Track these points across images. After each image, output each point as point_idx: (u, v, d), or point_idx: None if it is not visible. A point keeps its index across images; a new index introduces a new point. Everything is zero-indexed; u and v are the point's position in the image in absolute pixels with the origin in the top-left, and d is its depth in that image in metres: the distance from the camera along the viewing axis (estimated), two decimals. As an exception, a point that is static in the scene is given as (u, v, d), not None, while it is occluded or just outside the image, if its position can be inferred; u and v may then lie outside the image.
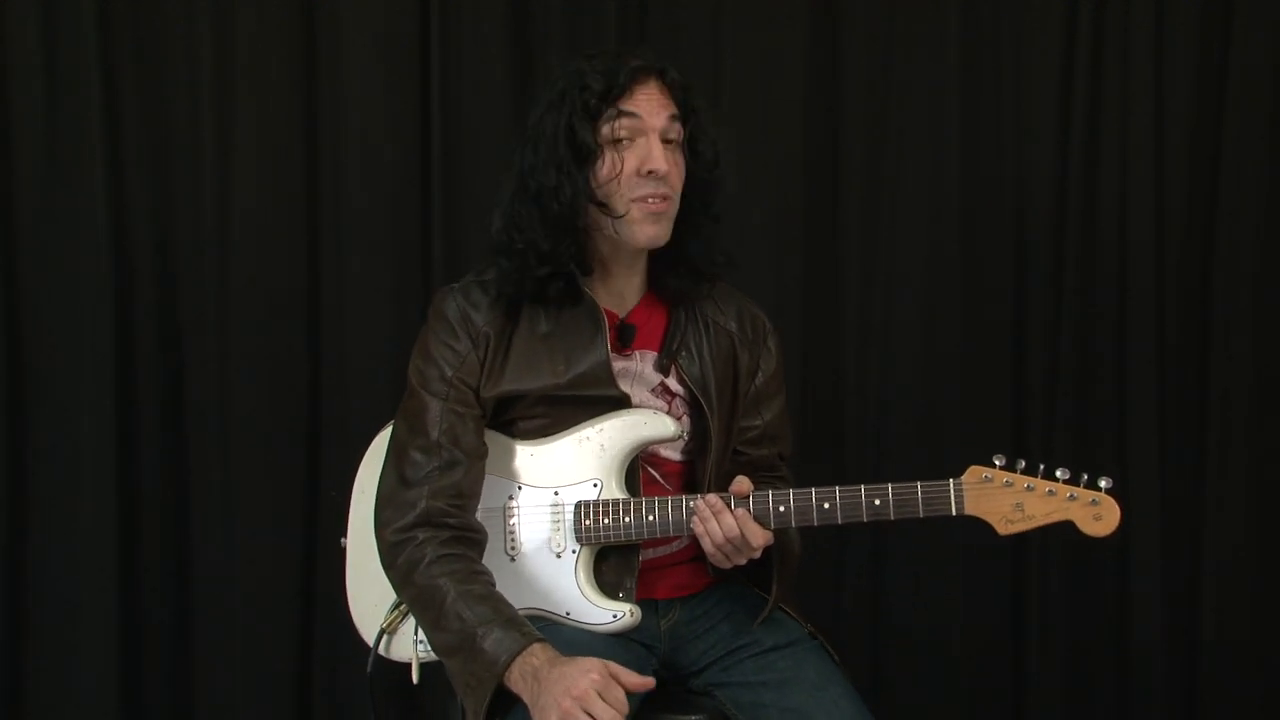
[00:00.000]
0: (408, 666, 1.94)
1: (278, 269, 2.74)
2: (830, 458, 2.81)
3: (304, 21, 2.72)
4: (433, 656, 1.90)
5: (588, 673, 1.66)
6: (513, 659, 1.72)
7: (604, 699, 1.65)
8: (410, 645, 1.93)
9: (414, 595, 1.82)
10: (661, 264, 1.97)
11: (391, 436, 1.94)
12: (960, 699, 2.85)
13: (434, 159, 2.74)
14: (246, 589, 2.75)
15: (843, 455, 2.83)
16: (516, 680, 1.72)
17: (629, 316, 1.99)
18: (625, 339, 1.97)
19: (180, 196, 2.72)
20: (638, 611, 1.88)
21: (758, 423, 2.05)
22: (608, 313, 1.96)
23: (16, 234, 2.67)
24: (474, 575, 1.81)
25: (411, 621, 1.91)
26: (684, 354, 1.98)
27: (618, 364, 1.96)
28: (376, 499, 1.90)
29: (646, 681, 1.71)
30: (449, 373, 1.89)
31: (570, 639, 1.83)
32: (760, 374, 2.05)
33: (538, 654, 1.72)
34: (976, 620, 2.85)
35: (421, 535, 1.83)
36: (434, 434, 1.86)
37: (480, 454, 1.89)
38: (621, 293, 1.98)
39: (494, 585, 1.82)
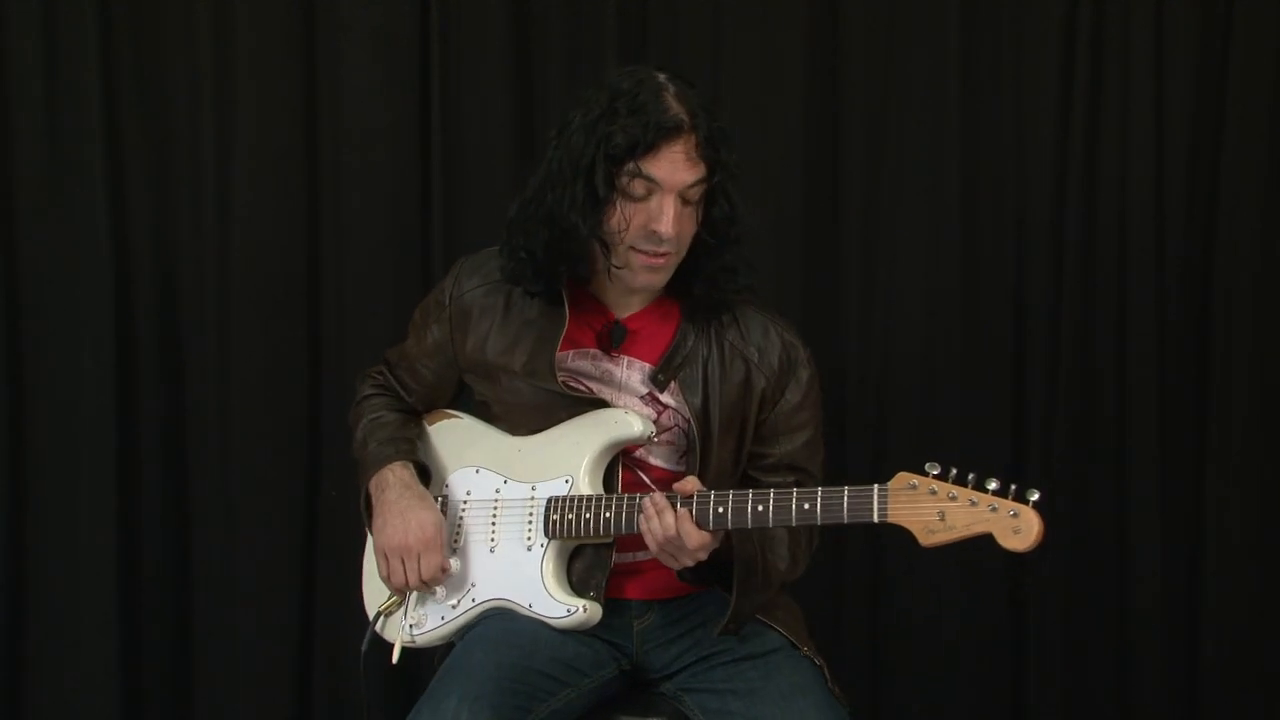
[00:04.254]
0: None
1: (278, 268, 2.75)
2: (830, 458, 2.81)
3: (304, 21, 2.72)
4: (417, 643, 1.98)
5: (422, 529, 1.92)
6: (378, 469, 1.99)
7: (420, 560, 1.92)
8: (397, 628, 1.98)
9: (351, 420, 2.12)
10: (680, 276, 1.96)
11: None
12: (960, 698, 2.85)
13: (434, 159, 2.74)
14: (246, 588, 2.75)
15: (843, 455, 2.82)
16: (373, 488, 1.99)
17: (628, 319, 1.98)
18: (614, 340, 1.97)
19: (180, 196, 2.72)
20: (594, 610, 1.89)
21: (774, 451, 2.01)
22: (603, 311, 1.97)
23: (16, 234, 2.67)
24: (386, 409, 2.08)
25: (404, 606, 1.99)
26: (686, 373, 1.96)
27: (600, 365, 1.97)
28: None
29: (447, 565, 1.94)
30: (422, 340, 2.07)
31: (527, 629, 1.87)
32: (783, 403, 2.00)
33: (395, 471, 1.98)
34: (976, 619, 2.85)
35: (368, 379, 2.15)
36: (396, 355, 2.13)
37: (425, 388, 2.09)
38: (626, 294, 1.97)
39: (405, 418, 2.07)
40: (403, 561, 1.93)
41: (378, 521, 1.96)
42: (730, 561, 1.87)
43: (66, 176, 2.67)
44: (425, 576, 1.93)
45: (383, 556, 1.95)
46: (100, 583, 2.69)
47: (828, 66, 2.82)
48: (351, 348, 2.74)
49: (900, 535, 2.77)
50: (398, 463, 1.99)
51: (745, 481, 2.00)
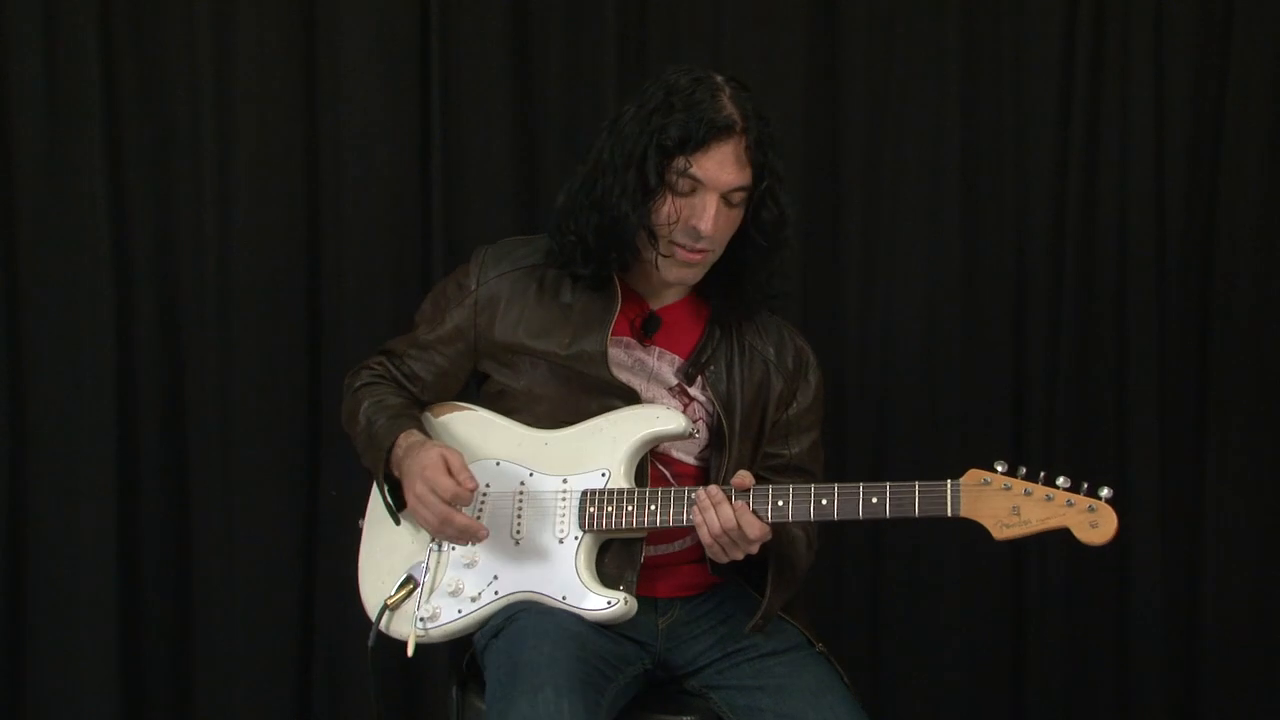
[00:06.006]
0: (406, 644, 1.96)
1: (278, 269, 2.74)
2: (830, 458, 2.81)
3: (304, 22, 2.72)
4: (431, 636, 1.94)
5: (433, 457, 1.87)
6: (393, 441, 1.94)
7: (456, 472, 1.86)
8: (410, 622, 1.95)
9: (346, 412, 2.08)
10: (714, 277, 1.98)
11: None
12: (960, 699, 2.85)
13: (434, 159, 2.74)
14: (246, 588, 2.75)
15: (843, 456, 2.82)
16: (395, 462, 1.95)
17: (661, 310, 2.01)
18: (649, 329, 1.99)
19: (180, 196, 2.72)
20: (632, 602, 1.89)
21: (785, 452, 2.06)
22: (639, 301, 1.99)
23: (17, 234, 2.67)
24: (388, 394, 2.04)
25: (414, 599, 1.95)
26: (713, 369, 2.00)
27: (634, 354, 1.98)
28: None
29: (469, 484, 1.87)
30: (437, 327, 2.04)
31: (562, 623, 1.86)
32: (795, 405, 2.06)
33: (403, 439, 1.94)
34: (976, 621, 2.85)
35: (363, 371, 2.10)
36: (403, 345, 2.08)
37: (436, 377, 2.05)
38: (661, 286, 2.00)
39: (408, 402, 2.03)
40: (433, 493, 1.86)
41: (405, 484, 1.92)
42: (753, 558, 1.89)
43: (66, 177, 2.66)
44: (445, 496, 1.84)
45: (420, 505, 1.88)
46: (100, 582, 2.69)
47: (828, 66, 2.82)
48: (351, 347, 2.74)
49: (900, 537, 2.81)
50: (403, 433, 1.95)
51: (757, 481, 2.00)
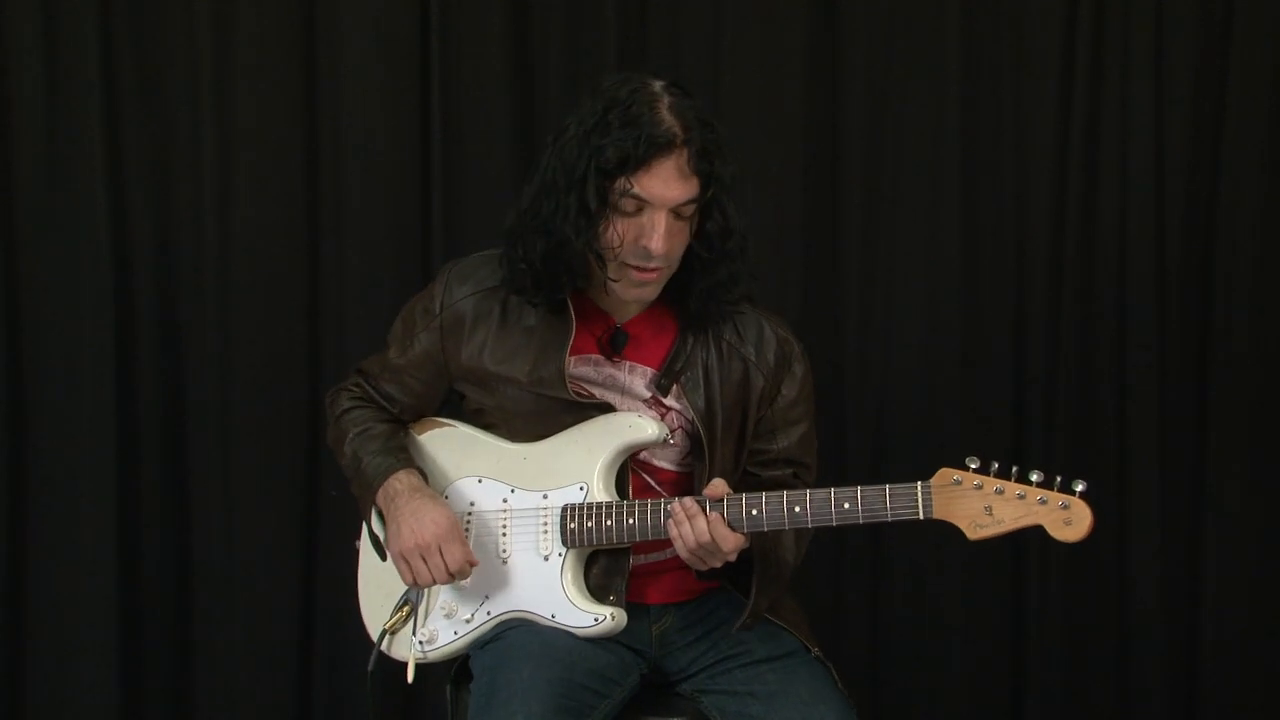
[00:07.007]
0: (405, 665, 1.95)
1: (278, 269, 2.75)
2: (830, 459, 2.80)
3: (304, 21, 2.72)
4: (429, 659, 1.94)
5: (436, 524, 1.87)
6: (383, 480, 1.93)
7: (443, 554, 1.87)
8: (408, 645, 1.94)
9: (332, 438, 2.07)
10: (677, 284, 1.93)
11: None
12: (960, 699, 2.85)
13: (434, 159, 2.74)
14: (246, 588, 2.75)
15: (843, 455, 2.82)
16: (381, 499, 1.94)
17: (627, 324, 1.97)
18: (616, 345, 1.96)
19: (180, 196, 2.72)
20: (620, 616, 1.87)
21: (773, 447, 2.01)
22: (604, 317, 1.96)
23: (17, 234, 2.67)
24: (373, 421, 2.02)
25: (411, 622, 1.95)
26: (688, 376, 1.95)
27: (604, 371, 1.96)
28: None
29: (470, 559, 1.89)
30: (407, 350, 2.02)
31: (559, 642, 1.84)
32: (780, 399, 2.00)
33: (401, 479, 1.94)
34: (976, 620, 2.85)
35: (343, 394, 2.08)
36: (376, 367, 2.07)
37: (412, 399, 2.04)
38: (623, 299, 1.95)
39: (394, 428, 2.02)
40: (424, 560, 1.87)
41: (391, 528, 1.91)
42: (740, 557, 1.87)
43: (66, 176, 2.67)
44: (453, 568, 1.87)
45: (402, 561, 1.89)
46: (100, 583, 2.69)
47: (828, 66, 2.82)
48: (351, 347, 2.74)
49: (898, 533, 2.81)
50: (402, 470, 1.94)
51: (745, 477, 1.99)
